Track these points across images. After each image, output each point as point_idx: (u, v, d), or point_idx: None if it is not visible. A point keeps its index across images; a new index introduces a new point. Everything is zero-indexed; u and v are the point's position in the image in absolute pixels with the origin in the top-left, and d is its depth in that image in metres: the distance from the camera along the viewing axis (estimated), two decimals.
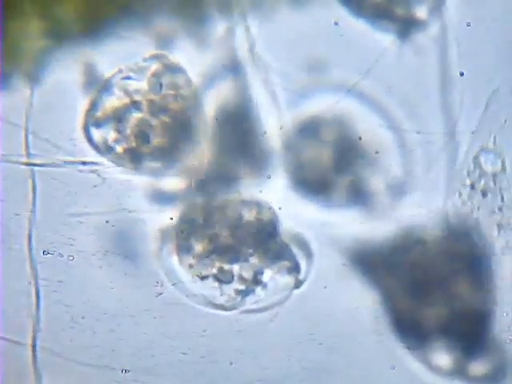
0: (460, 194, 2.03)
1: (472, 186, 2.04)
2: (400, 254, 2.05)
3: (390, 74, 2.06)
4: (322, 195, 2.06)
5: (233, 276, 2.03)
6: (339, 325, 2.07)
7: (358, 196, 2.06)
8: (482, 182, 2.05)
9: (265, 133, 2.06)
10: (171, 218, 2.05)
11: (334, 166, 2.05)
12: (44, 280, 2.06)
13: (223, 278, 2.03)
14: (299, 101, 2.07)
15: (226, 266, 2.02)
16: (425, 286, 2.05)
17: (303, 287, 2.07)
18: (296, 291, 2.06)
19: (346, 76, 2.06)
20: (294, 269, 2.06)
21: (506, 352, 2.08)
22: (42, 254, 2.05)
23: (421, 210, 2.06)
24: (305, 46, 2.06)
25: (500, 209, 2.06)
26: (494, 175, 2.06)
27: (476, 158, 2.04)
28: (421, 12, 2.06)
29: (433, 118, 2.07)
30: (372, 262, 2.05)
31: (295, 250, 2.06)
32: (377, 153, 2.05)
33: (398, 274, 2.05)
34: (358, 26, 2.06)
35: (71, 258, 2.06)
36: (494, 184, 2.06)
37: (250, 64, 2.04)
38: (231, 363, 2.09)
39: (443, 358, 2.06)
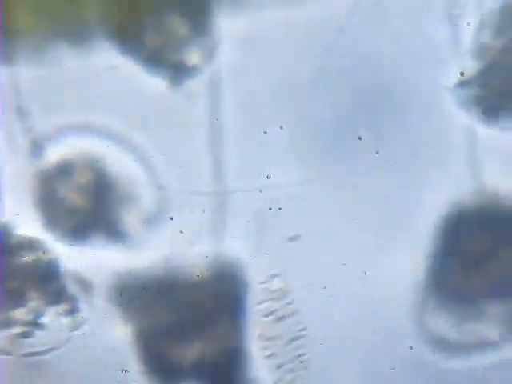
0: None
1: None
2: (164, 292, 2.04)
3: (159, 120, 2.02)
4: (83, 237, 2.04)
5: (12, 320, 2.02)
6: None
7: (119, 235, 2.04)
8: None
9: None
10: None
11: (90, 207, 2.04)
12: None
13: (2, 323, 2.02)
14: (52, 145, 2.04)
15: (6, 311, 2.01)
16: (183, 324, 2.04)
17: (83, 328, 2.06)
18: (76, 332, 2.05)
19: (113, 120, 2.03)
20: (74, 310, 2.05)
21: None
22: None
23: (186, 249, 2.05)
24: (77, 91, 2.02)
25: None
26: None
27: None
28: (193, 57, 2.02)
29: (198, 170, 2.04)
30: (135, 300, 2.04)
31: (76, 290, 2.05)
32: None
33: (157, 312, 2.04)
34: (133, 70, 2.02)
35: None
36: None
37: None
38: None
39: None
